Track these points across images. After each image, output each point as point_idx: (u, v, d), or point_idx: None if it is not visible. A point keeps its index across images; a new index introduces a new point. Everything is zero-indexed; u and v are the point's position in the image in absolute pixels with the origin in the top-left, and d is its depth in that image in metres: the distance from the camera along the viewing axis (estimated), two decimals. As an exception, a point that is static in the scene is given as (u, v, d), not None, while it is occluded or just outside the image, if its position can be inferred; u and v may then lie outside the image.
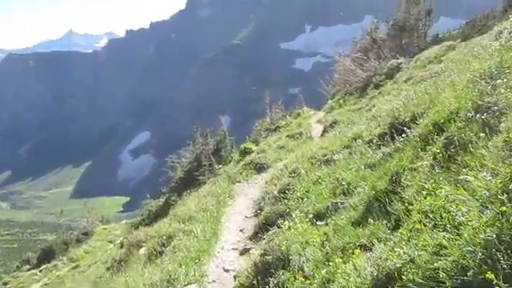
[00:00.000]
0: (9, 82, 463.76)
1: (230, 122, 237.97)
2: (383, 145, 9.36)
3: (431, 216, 4.84)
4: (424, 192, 5.50)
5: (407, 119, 9.18)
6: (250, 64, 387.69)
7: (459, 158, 5.65)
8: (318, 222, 8.25)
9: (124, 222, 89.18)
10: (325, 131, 23.35)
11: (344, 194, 8.72)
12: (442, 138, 6.34)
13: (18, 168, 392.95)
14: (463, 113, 6.37)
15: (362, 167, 9.14)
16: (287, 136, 26.09)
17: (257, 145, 30.28)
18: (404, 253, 4.61)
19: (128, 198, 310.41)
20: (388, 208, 6.35)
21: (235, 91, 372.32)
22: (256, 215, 12.62)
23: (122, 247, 27.91)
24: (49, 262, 54.15)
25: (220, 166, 31.43)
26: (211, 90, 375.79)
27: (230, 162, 32.12)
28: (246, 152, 28.59)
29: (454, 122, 6.43)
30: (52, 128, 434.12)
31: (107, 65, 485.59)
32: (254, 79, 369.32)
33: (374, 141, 10.30)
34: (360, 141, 11.85)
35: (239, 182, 17.52)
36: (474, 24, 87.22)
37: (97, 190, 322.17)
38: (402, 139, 8.18)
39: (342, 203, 8.12)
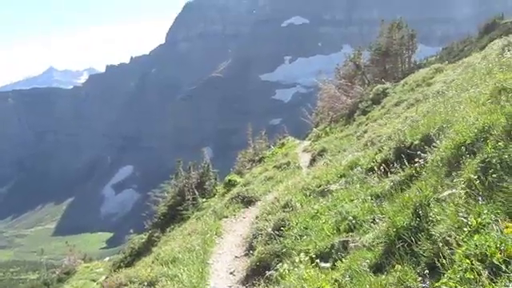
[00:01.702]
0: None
1: (212, 154, 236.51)
2: (390, 172, 8.26)
3: (489, 261, 3.74)
4: (466, 229, 4.39)
5: (416, 142, 8.12)
6: (230, 96, 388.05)
7: (505, 185, 4.56)
8: (323, 264, 7.07)
9: (107, 259, 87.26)
10: (314, 160, 22.34)
11: (350, 229, 7.56)
12: (477, 161, 5.22)
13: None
14: (498, 130, 5.30)
15: (369, 198, 8.02)
16: (274, 166, 25.01)
17: (241, 176, 29.28)
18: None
19: (111, 234, 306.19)
20: (415, 249, 5.18)
21: (216, 123, 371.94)
22: (247, 254, 11.44)
23: (102, 290, 26.46)
24: (29, 304, 52.27)
25: (204, 199, 30.28)
26: (192, 122, 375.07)
27: (214, 195, 31.04)
28: (230, 184, 27.56)
29: (487, 141, 5.35)
30: (33, 165, 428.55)
31: (88, 100, 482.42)
32: (234, 111, 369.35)
33: (377, 168, 9.23)
34: (359, 169, 10.79)
35: (226, 217, 16.29)
36: (451, 50, 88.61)
37: (80, 226, 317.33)
38: (416, 165, 7.07)
39: (352, 242, 6.94)
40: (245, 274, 10.22)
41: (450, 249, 4.41)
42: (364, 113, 29.48)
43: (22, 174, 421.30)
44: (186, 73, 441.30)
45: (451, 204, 5.10)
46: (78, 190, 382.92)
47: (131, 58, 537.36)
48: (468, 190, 4.97)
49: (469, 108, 6.90)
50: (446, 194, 5.45)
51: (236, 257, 11.95)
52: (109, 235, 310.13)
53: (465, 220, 4.53)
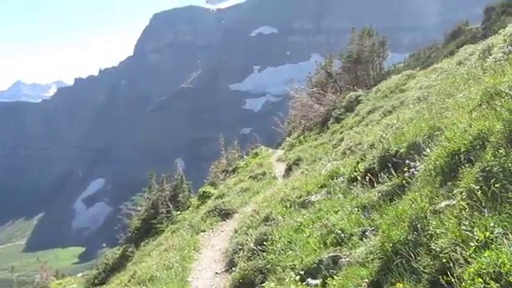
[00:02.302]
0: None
1: (184, 165, 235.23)
2: (377, 182, 7.95)
3: (505, 280, 3.45)
4: (472, 244, 4.10)
5: (402, 150, 7.83)
6: (200, 107, 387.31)
7: (511, 195, 4.29)
8: (312, 281, 6.73)
9: (80, 274, 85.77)
10: (289, 169, 22.03)
11: (338, 243, 7.22)
12: (476, 169, 4.93)
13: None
14: (496, 137, 5.03)
15: (355, 210, 7.69)
16: (250, 177, 24.67)
17: (215, 188, 28.92)
18: None
19: (83, 249, 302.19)
20: (414, 265, 4.86)
21: (187, 134, 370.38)
22: (227, 270, 11.04)
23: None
24: (-1, 324, 51.05)
25: (178, 212, 29.82)
26: (163, 134, 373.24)
27: (188, 207, 30.64)
28: (205, 196, 27.24)
29: (485, 148, 5.08)
30: (2, 180, 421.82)
31: (57, 113, 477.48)
32: (205, 121, 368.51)
33: (360, 177, 8.92)
34: (341, 178, 10.48)
35: (203, 231, 15.88)
36: (419, 57, 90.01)
37: (51, 242, 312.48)
38: (405, 174, 6.76)
39: (343, 257, 6.59)
40: (228, 292, 9.83)
41: (460, 265, 4.10)
42: (338, 120, 29.31)
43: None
44: (156, 84, 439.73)
45: (450, 216, 4.80)
46: (48, 204, 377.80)
47: (100, 70, 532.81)
48: (469, 201, 4.67)
49: (458, 114, 6.63)
50: (443, 205, 5.16)
51: (216, 273, 11.55)
52: (81, 250, 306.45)
53: (470, 234, 4.24)
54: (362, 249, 6.17)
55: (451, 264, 4.24)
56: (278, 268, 7.99)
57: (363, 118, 23.71)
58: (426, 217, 5.20)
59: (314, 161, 19.26)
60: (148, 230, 30.38)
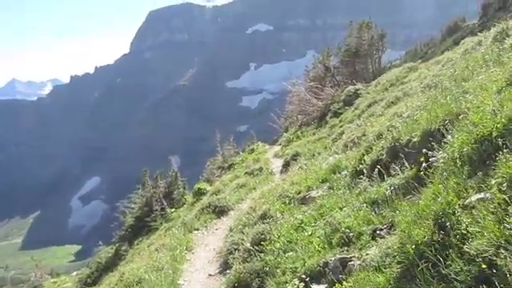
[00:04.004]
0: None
1: (180, 162, 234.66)
2: (387, 174, 7.13)
3: None
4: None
5: (415, 139, 6.99)
6: (197, 104, 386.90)
7: None
8: (316, 287, 5.91)
9: (75, 273, 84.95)
10: (287, 165, 21.27)
11: (345, 243, 6.39)
12: (515, 156, 4.11)
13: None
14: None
15: (364, 206, 6.86)
16: (246, 173, 23.92)
17: (211, 184, 28.17)
18: None
19: (80, 247, 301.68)
20: (443, 271, 4.03)
21: (183, 131, 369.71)
22: (222, 272, 10.23)
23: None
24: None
25: (173, 209, 29.09)
26: (159, 131, 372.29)
27: (183, 204, 29.92)
28: (200, 193, 26.43)
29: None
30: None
31: (52, 111, 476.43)
32: (201, 119, 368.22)
33: (367, 171, 8.12)
34: (345, 172, 9.67)
35: (197, 229, 15.08)
36: (415, 53, 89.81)
37: (47, 240, 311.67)
38: (423, 165, 5.90)
39: (352, 260, 5.75)
40: (221, 296, 9.00)
41: (508, 272, 3.29)
42: (336, 115, 28.69)
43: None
44: (152, 81, 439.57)
45: (486, 212, 3.98)
46: (44, 202, 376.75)
47: (96, 67, 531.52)
48: (511, 194, 3.85)
49: (482, 96, 5.81)
50: (474, 199, 4.33)
51: (210, 275, 10.74)
52: (77, 248, 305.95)
53: (516, 234, 3.42)
54: (376, 250, 5.30)
55: (493, 270, 3.44)
56: (278, 271, 7.22)
57: (363, 111, 23.04)
58: (454, 213, 4.37)
59: (313, 156, 18.62)
60: (142, 227, 29.75)
